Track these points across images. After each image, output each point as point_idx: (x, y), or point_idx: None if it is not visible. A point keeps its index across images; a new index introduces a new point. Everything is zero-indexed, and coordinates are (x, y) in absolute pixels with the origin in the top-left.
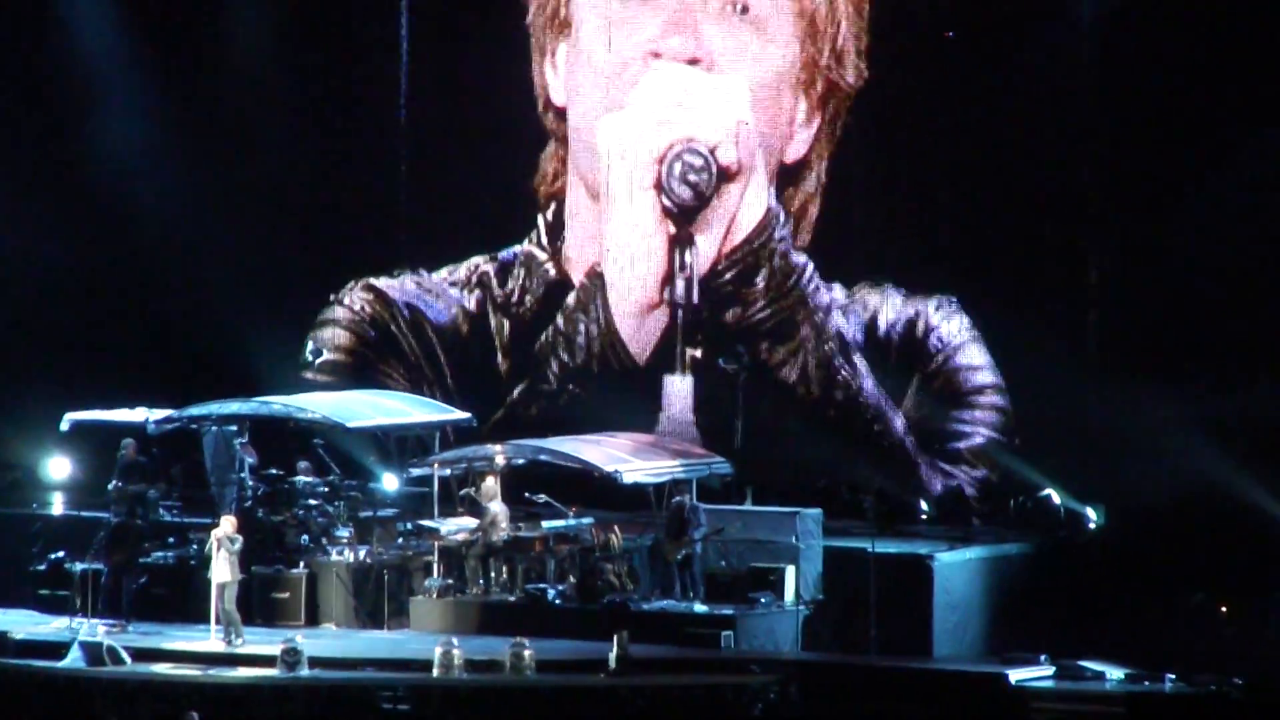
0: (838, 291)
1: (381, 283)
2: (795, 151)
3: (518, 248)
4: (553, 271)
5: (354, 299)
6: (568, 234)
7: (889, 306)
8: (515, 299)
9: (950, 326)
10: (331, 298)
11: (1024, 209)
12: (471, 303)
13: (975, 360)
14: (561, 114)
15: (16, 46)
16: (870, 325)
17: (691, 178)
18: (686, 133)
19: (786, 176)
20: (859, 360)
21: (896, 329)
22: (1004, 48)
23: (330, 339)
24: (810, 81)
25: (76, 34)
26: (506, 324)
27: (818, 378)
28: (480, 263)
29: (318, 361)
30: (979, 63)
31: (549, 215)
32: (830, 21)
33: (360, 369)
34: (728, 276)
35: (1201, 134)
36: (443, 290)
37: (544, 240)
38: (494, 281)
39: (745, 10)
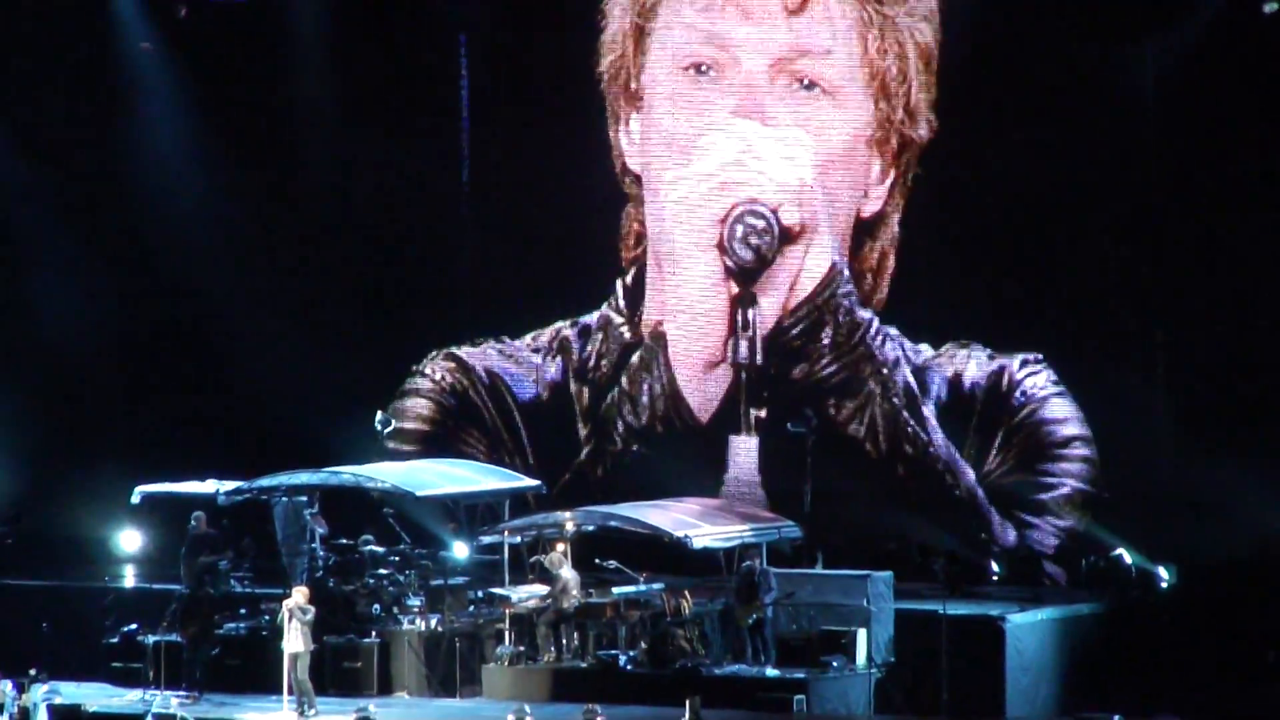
0: (926, 351)
1: (463, 351)
2: (872, 208)
3: (598, 312)
4: (628, 335)
5: (435, 368)
6: (646, 298)
7: (974, 364)
8: (592, 364)
9: (1035, 381)
10: (414, 368)
11: (1099, 264)
12: (552, 368)
13: (1060, 413)
14: (638, 180)
15: (92, 117)
16: (955, 382)
17: (754, 240)
18: (749, 193)
19: (863, 232)
20: (928, 413)
21: (980, 385)
22: (1072, 100)
23: (411, 409)
24: (885, 139)
25: (148, 112)
26: (585, 390)
27: (886, 433)
28: (562, 328)
29: (386, 431)
30: (1047, 115)
31: (628, 280)
32: (901, 80)
33: (441, 438)
34: (793, 333)
35: (1268, 188)
36: (524, 357)
37: (621, 304)
38: (574, 347)
39: (811, 85)
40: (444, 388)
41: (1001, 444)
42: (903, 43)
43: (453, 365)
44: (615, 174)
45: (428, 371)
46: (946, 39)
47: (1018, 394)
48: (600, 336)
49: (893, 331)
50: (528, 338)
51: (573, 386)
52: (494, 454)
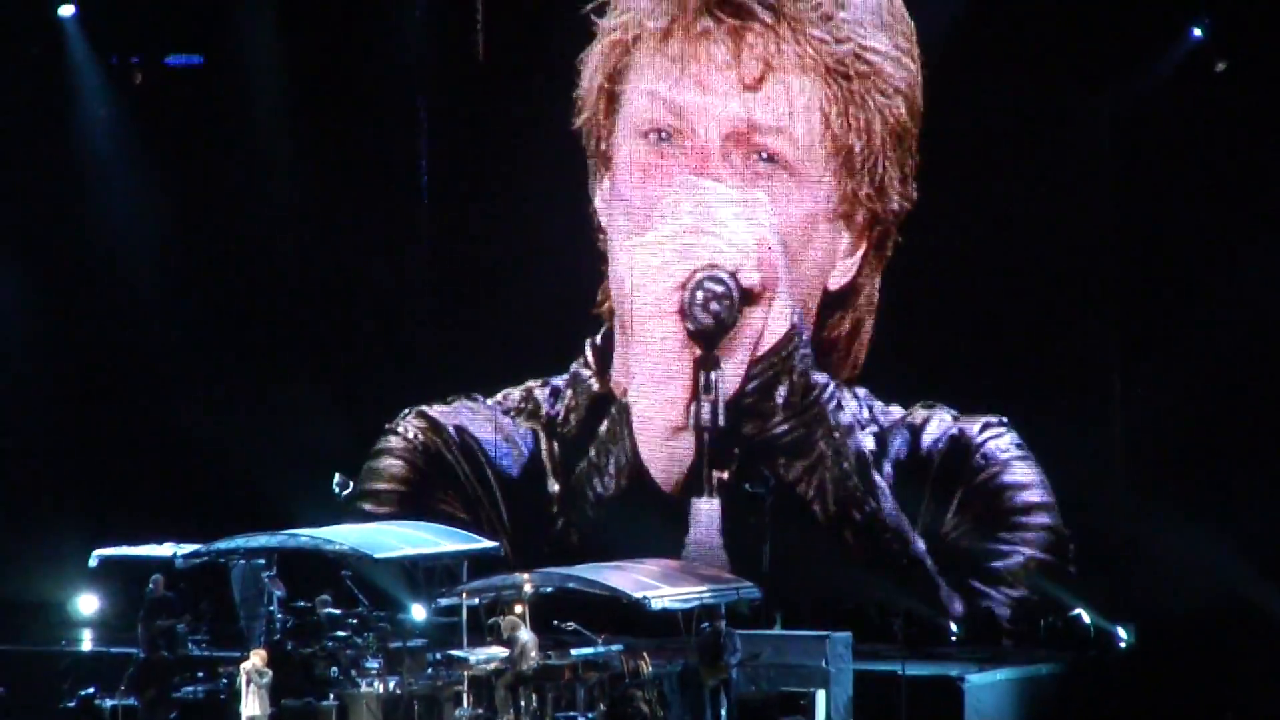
0: (896, 411)
1: (434, 410)
2: (839, 280)
3: (568, 373)
4: (596, 387)
5: (407, 427)
6: (613, 363)
7: (935, 424)
8: (561, 419)
9: (997, 444)
10: (386, 425)
11: (1061, 325)
12: (524, 425)
13: (1022, 478)
14: (608, 239)
15: (47, 180)
16: (914, 443)
17: (714, 305)
18: (708, 257)
19: (832, 304)
20: (880, 480)
21: (940, 447)
22: (1034, 164)
23: (385, 468)
24: (850, 214)
25: (105, 175)
26: (556, 445)
27: (835, 496)
28: (533, 386)
29: (344, 493)
30: (1014, 179)
31: (597, 339)
32: (868, 155)
33: (415, 497)
34: (748, 389)
35: (1227, 247)
36: (495, 415)
37: (591, 361)
38: (544, 405)
39: (771, 159)
40: (416, 446)
41: (959, 507)
42: (869, 120)
43: (424, 424)
44: (585, 229)
45: (399, 430)
46: (927, 111)
47: (978, 456)
48: (570, 393)
49: (861, 392)
50: (499, 395)
51: (544, 443)
52: (470, 512)
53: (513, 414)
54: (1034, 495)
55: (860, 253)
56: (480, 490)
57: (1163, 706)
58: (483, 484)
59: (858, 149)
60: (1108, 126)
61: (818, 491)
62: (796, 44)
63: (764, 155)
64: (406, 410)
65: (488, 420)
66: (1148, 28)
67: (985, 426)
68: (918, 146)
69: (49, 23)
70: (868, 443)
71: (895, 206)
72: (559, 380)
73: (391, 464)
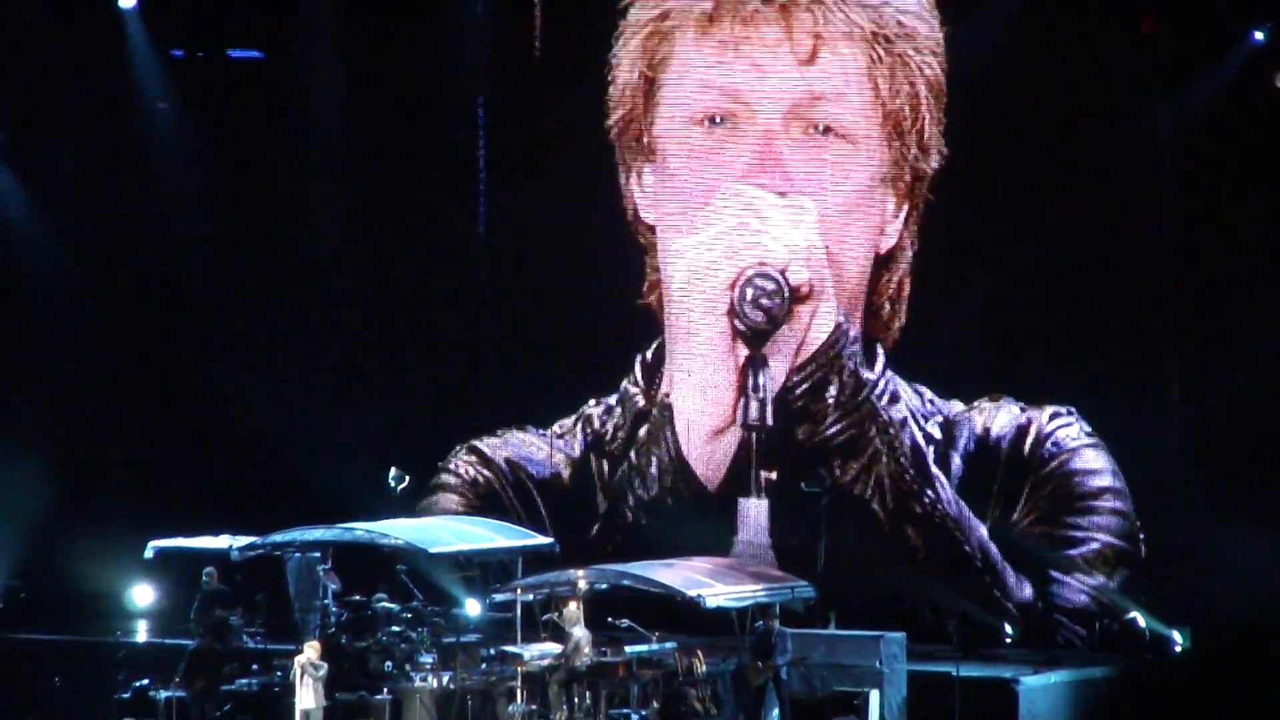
0: (957, 405)
1: (485, 444)
2: (888, 243)
3: (622, 384)
4: (642, 403)
5: (459, 464)
6: (664, 368)
7: (1003, 415)
8: (609, 437)
9: (1066, 433)
10: (439, 464)
11: (1122, 322)
12: (575, 448)
13: (1092, 464)
14: (652, 229)
15: (109, 177)
16: (983, 435)
17: (764, 302)
18: (757, 255)
19: (880, 266)
20: (936, 471)
21: (1008, 437)
22: (1086, 147)
23: (441, 505)
24: (899, 176)
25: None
26: (605, 463)
27: (892, 491)
28: (587, 407)
29: (399, 488)
30: (1062, 152)
31: (647, 355)
32: (914, 116)
33: None
34: (798, 392)
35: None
36: (549, 441)
37: (639, 378)
38: (595, 422)
39: (827, 130)
40: (468, 481)
41: (1029, 496)
42: (913, 79)
43: (475, 459)
44: (631, 230)
45: (452, 467)
46: (954, 71)
47: (1047, 445)
48: (619, 410)
49: (924, 389)
50: (555, 426)
51: (593, 463)
52: None
53: (566, 438)
54: (1105, 480)
55: (904, 214)
56: (528, 521)
57: (1218, 713)
58: (531, 513)
59: (905, 110)
60: (1172, 114)
61: (875, 488)
62: (842, 13)
63: (822, 128)
64: (459, 445)
65: (538, 447)
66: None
67: (1054, 416)
68: (948, 108)
69: (110, 14)
70: (935, 435)
71: (935, 164)
72: (610, 398)
73: (446, 499)
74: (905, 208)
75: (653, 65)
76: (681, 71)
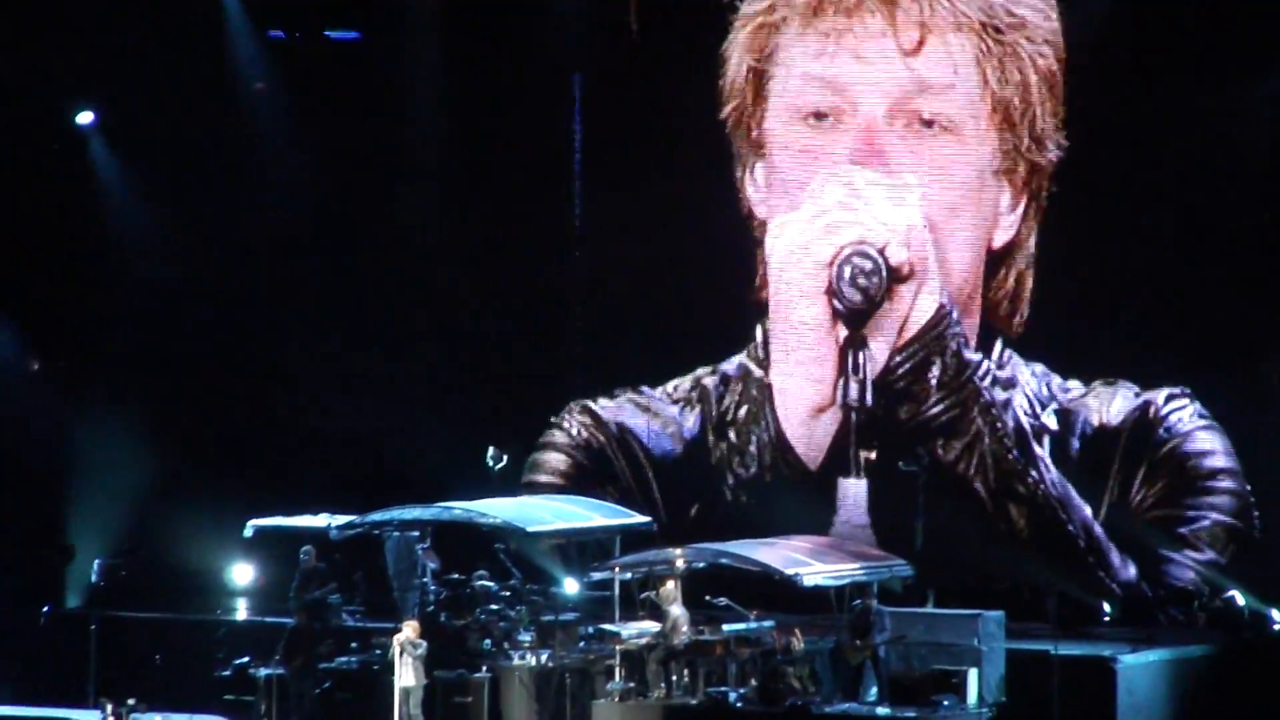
0: (1075, 388)
1: (599, 405)
2: (1003, 237)
3: (738, 359)
4: (760, 375)
5: (571, 422)
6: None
7: (1120, 400)
8: (730, 416)
9: (1180, 415)
10: (552, 420)
11: (1235, 303)
12: (690, 420)
13: (1206, 446)
14: (764, 225)
15: (209, 158)
16: (1099, 419)
17: (862, 281)
18: (857, 235)
19: (996, 261)
20: (1039, 451)
21: (1125, 421)
22: (1208, 120)
23: (547, 463)
24: (1012, 168)
25: (261, 152)
26: (723, 444)
27: (995, 471)
28: (702, 375)
29: (497, 466)
30: (1180, 134)
31: (769, 324)
32: (1025, 107)
33: (573, 492)
34: (900, 372)
35: None
36: (661, 409)
37: (760, 353)
38: (713, 395)
39: (930, 124)
40: (579, 443)
41: (1144, 478)
42: (1024, 70)
43: (587, 420)
44: (742, 217)
45: (564, 425)
46: (1071, 58)
47: (1162, 429)
48: (740, 386)
49: (1039, 369)
50: (668, 386)
51: (710, 439)
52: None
53: (681, 404)
54: (1219, 461)
55: (1021, 207)
56: (635, 485)
57: None
58: (639, 480)
59: (1015, 101)
60: None
61: (978, 468)
62: (949, 3)
63: (926, 121)
64: (572, 404)
65: (653, 414)
66: None
67: (1169, 398)
68: (1065, 95)
69: None
70: (1050, 421)
71: (1052, 156)
72: (728, 366)
73: (554, 458)
74: (1023, 201)
75: (761, 59)
76: (787, 65)
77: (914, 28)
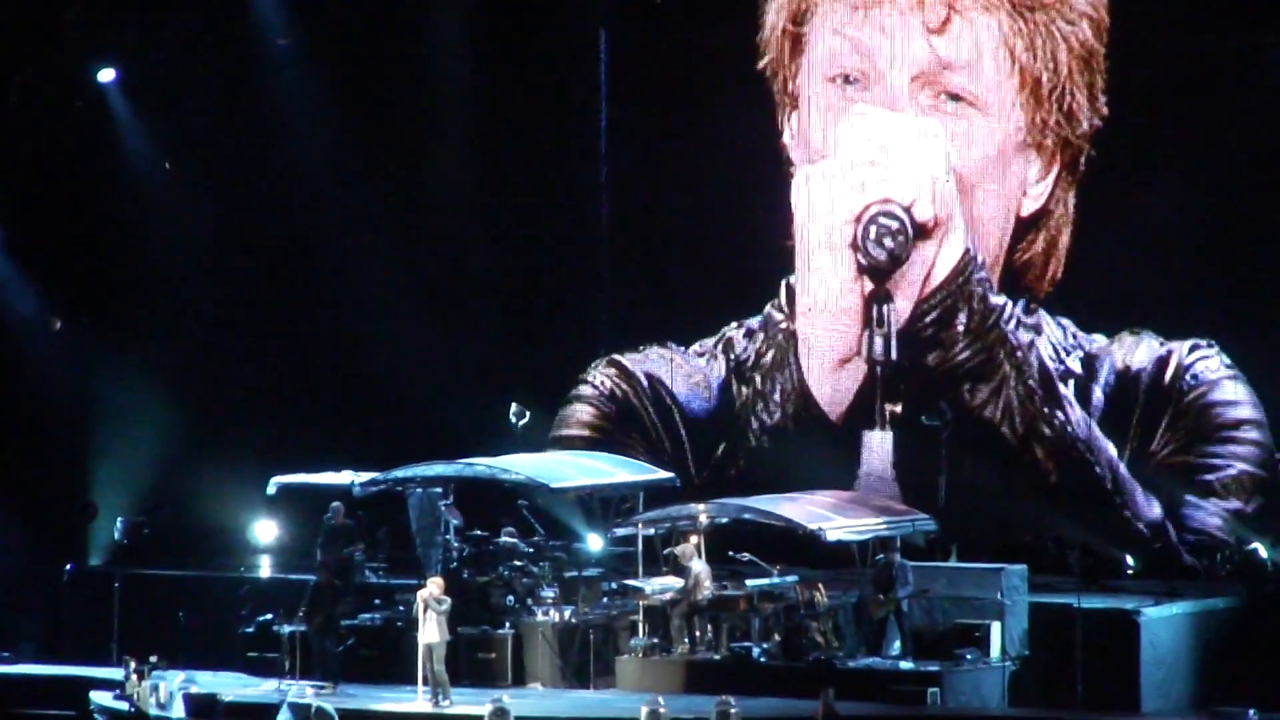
0: (1100, 340)
1: (626, 358)
2: (1032, 206)
3: (766, 309)
4: (788, 328)
5: (599, 376)
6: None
7: (1144, 349)
8: (752, 363)
9: (1206, 365)
10: (580, 375)
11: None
12: (717, 371)
13: (1231, 396)
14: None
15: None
16: (1123, 368)
17: (888, 241)
18: (883, 191)
19: (1025, 227)
20: (1064, 391)
21: (1148, 370)
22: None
23: (574, 415)
24: (1039, 142)
25: (287, 109)
26: (745, 390)
27: (1022, 414)
28: (729, 330)
29: (520, 423)
30: (1213, 99)
31: (793, 279)
32: (1055, 84)
33: (602, 444)
34: (927, 320)
35: None
36: (688, 361)
37: (783, 303)
38: (738, 346)
39: (956, 98)
40: (606, 394)
41: (1167, 428)
42: (1055, 49)
43: (615, 372)
44: (773, 169)
45: (591, 379)
46: (1114, 30)
47: (1187, 377)
48: (762, 336)
49: (1066, 322)
50: (696, 345)
51: (734, 387)
52: (654, 458)
53: (706, 357)
54: (1244, 411)
55: (1051, 176)
56: (665, 435)
57: None
58: (669, 429)
59: (1044, 79)
60: None
61: (1005, 412)
62: None
63: (950, 94)
64: (599, 359)
65: (679, 366)
66: None
67: (1194, 348)
68: (1106, 65)
69: None
70: (1076, 369)
71: (1085, 128)
72: (754, 321)
73: (582, 410)
74: (1053, 171)
75: (796, 17)
76: (821, 26)
77: (942, 7)
